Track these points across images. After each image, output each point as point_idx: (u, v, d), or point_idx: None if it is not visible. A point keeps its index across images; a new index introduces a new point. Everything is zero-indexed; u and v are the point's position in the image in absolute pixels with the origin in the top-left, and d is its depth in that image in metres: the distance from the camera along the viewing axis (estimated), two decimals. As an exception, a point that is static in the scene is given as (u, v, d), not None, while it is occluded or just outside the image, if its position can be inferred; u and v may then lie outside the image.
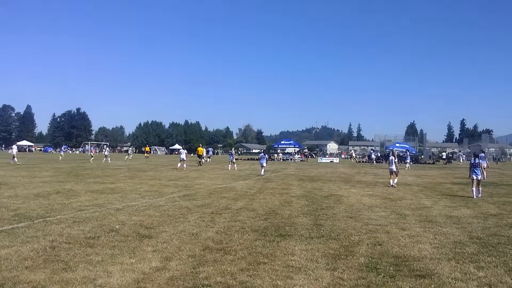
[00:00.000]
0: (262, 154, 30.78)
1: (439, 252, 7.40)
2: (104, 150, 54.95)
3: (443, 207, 13.26)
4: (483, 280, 5.89)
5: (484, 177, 17.17)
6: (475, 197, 15.85)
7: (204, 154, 44.66)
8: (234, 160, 35.28)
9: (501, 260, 6.95)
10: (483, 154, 21.53)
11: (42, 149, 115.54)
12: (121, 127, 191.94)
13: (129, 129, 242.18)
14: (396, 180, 20.78)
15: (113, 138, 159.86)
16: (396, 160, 22.01)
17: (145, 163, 45.24)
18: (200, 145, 50.45)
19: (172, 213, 11.12)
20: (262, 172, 28.07)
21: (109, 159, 47.15)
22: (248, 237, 8.30)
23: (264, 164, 28.97)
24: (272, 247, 7.58)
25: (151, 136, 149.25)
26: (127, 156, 56.83)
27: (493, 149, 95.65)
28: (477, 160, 16.67)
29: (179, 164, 32.84)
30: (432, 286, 5.61)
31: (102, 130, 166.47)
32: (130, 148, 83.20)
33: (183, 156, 33.28)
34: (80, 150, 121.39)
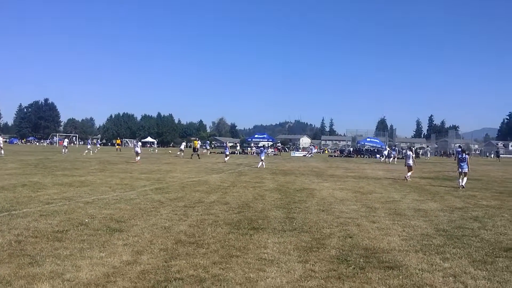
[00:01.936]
0: (262, 148, 32.33)
1: (407, 244, 7.57)
2: (89, 143, 54.11)
3: (412, 200, 13.55)
4: (448, 271, 6.06)
5: (468, 169, 18.70)
6: (460, 187, 17.71)
7: (198, 147, 45.19)
8: (228, 153, 36.30)
9: (466, 251, 7.16)
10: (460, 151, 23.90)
11: (8, 140, 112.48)
12: (91, 119, 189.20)
13: (100, 121, 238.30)
14: (409, 174, 21.71)
15: (82, 130, 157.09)
16: (414, 155, 23.02)
17: (116, 155, 44.58)
18: (197, 138, 54.63)
19: (143, 206, 11.02)
20: (259, 166, 29.11)
21: (91, 151, 47.37)
22: (221, 231, 8.31)
23: (263, 158, 29.95)
24: (245, 240, 7.60)
25: (123, 128, 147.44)
26: (151, 149, 57.47)
27: (459, 144, 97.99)
28: (464, 155, 18.67)
29: (137, 158, 31.36)
30: (400, 277, 5.74)
31: (71, 121, 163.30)
32: (155, 142, 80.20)
33: (138, 149, 31.92)
34: (47, 142, 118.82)
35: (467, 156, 18.97)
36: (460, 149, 24.45)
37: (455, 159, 27.38)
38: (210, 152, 62.58)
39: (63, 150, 47.21)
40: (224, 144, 40.48)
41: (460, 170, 18.42)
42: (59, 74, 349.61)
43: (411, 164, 21.87)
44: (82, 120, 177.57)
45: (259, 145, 48.52)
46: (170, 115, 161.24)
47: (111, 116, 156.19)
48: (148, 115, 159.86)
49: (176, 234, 7.90)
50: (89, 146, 49.91)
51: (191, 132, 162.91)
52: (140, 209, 10.52)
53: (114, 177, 19.06)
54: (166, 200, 12.15)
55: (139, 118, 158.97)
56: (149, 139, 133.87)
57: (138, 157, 31.52)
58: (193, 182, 17.55)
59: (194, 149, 43.48)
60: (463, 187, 17.71)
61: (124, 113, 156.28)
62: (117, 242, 7.21)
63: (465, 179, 18.22)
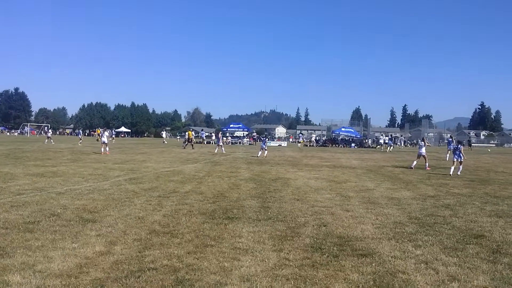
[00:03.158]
0: (264, 138, 34.57)
1: (380, 232, 7.68)
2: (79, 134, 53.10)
3: (385, 189, 13.75)
4: (420, 258, 6.18)
5: (463, 158, 20.23)
6: (452, 174, 18.99)
7: (192, 137, 45.49)
8: (221, 143, 36.77)
9: (437, 239, 7.30)
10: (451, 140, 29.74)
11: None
12: (63, 109, 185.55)
13: (72, 111, 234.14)
14: (415, 162, 22.78)
15: (54, 120, 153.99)
16: (425, 146, 24.01)
17: (90, 145, 43.83)
18: (191, 128, 53.61)
19: (117, 196, 10.89)
20: (259, 155, 30.12)
21: (80, 141, 46.52)
22: (196, 220, 8.28)
23: (265, 147, 30.94)
24: (219, 229, 7.59)
25: (96, 118, 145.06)
26: (164, 140, 58.29)
27: (432, 134, 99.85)
28: (459, 146, 20.46)
29: (102, 149, 29.73)
30: (373, 264, 5.82)
31: (43, 111, 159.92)
32: (164, 132, 79.39)
33: (105, 139, 30.29)
34: (18, 132, 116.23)
35: (461, 146, 20.52)
36: (451, 139, 29.77)
37: (448, 150, 29.86)
38: (207, 142, 61.73)
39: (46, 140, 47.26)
40: (217, 134, 41.55)
41: (454, 159, 19.91)
42: (29, 63, 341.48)
43: (423, 154, 22.97)
44: (54, 109, 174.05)
45: (261, 136, 49.84)
46: (144, 105, 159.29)
47: (83, 105, 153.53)
48: (122, 105, 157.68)
49: (150, 224, 7.83)
50: (80, 136, 49.19)
51: (166, 121, 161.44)
52: (114, 200, 10.39)
53: (87, 167, 18.77)
54: (140, 190, 12.04)
55: (112, 107, 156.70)
56: (123, 129, 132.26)
57: (107, 148, 29.83)
58: (168, 172, 17.43)
59: (189, 139, 43.76)
60: (457, 175, 18.93)
61: (97, 102, 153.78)
62: (90, 233, 7.11)
63: (460, 167, 19.83)
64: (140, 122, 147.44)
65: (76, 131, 69.02)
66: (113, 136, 51.99)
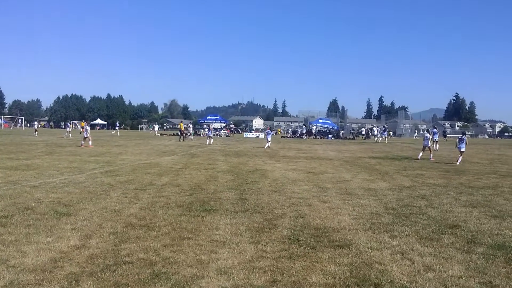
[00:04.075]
0: (268, 130, 34.48)
1: (357, 223, 7.75)
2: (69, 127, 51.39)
3: (362, 180, 13.88)
4: (396, 248, 6.25)
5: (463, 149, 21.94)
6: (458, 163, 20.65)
7: (184, 129, 46.71)
8: (212, 135, 37.40)
9: (413, 229, 7.40)
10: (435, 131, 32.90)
11: None
12: (38, 101, 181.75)
13: (47, 103, 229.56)
14: (421, 154, 23.37)
15: (28, 112, 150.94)
16: (431, 137, 25.23)
17: (68, 138, 43.12)
18: (181, 121, 56.27)
19: (93, 189, 10.73)
20: (267, 146, 31.06)
21: (70, 134, 45.63)
22: (173, 213, 8.22)
23: (269, 139, 31.94)
24: (196, 222, 7.55)
25: (71, 110, 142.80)
26: (155, 133, 59.99)
27: (408, 125, 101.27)
28: (463, 137, 22.26)
29: (89, 142, 29.02)
30: (350, 255, 5.87)
31: (17, 103, 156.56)
32: (156, 125, 78.51)
33: (88, 133, 29.24)
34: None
35: (465, 137, 22.46)
36: (435, 130, 32.33)
37: (434, 141, 31.54)
38: (195, 134, 60.35)
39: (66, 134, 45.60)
40: (207, 127, 42.94)
41: (459, 148, 21.64)
42: (2, 55, 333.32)
43: (428, 145, 23.51)
44: (28, 102, 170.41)
45: (265, 128, 51.18)
46: (121, 97, 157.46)
47: (58, 97, 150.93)
48: (98, 97, 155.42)
49: (126, 217, 7.74)
50: (68, 129, 48.08)
51: (143, 113, 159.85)
52: (89, 193, 10.24)
53: (62, 160, 18.45)
54: (116, 183, 11.89)
55: (88, 99, 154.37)
56: (98, 121, 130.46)
57: (89, 142, 28.92)
58: (144, 165, 17.26)
59: (181, 131, 45.16)
60: (458, 163, 20.57)
61: (72, 94, 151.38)
62: (65, 227, 7.00)
63: (460, 158, 21.22)
64: (116, 114, 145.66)
65: (65, 122, 67.10)
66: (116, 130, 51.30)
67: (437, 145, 33.57)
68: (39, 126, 56.95)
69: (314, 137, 64.94)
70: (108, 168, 15.55)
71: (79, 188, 10.85)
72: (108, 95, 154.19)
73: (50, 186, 11.16)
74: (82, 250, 5.79)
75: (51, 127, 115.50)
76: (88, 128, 30.20)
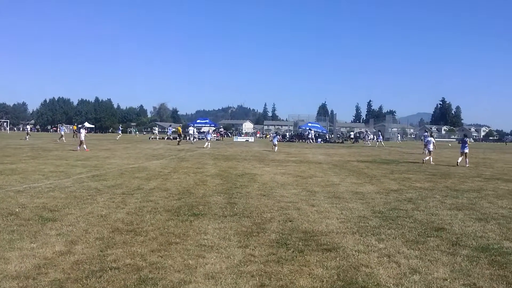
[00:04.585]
0: (274, 134, 37.76)
1: (344, 227, 7.76)
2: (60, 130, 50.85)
3: (350, 184, 13.92)
4: (383, 251, 6.28)
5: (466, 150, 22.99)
6: (459, 160, 22.39)
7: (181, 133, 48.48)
8: (210, 138, 38.68)
9: (400, 232, 7.44)
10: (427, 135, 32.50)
11: None
12: (24, 104, 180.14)
13: (33, 106, 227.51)
14: (428, 158, 24.11)
15: (14, 116, 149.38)
16: (434, 141, 25.96)
17: (53, 141, 42.71)
18: (180, 124, 58.87)
19: (79, 194, 10.62)
20: (276, 149, 33.19)
21: (63, 138, 44.50)
22: (161, 218, 8.16)
23: (275, 143, 34.39)
24: (184, 226, 7.51)
25: (58, 113, 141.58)
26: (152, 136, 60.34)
27: (396, 129, 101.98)
28: (465, 139, 24.23)
29: (84, 145, 28.43)
30: (337, 258, 5.88)
31: (2, 106, 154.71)
32: (157, 129, 77.68)
33: (83, 137, 28.76)
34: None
35: (467, 139, 24.33)
36: (426, 133, 32.02)
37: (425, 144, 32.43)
38: (173, 138, 59.16)
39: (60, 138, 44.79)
40: (207, 130, 44.82)
41: (461, 151, 22.76)
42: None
43: (431, 149, 24.33)
44: (14, 105, 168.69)
45: (272, 132, 54.20)
46: (109, 100, 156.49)
47: (45, 100, 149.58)
48: (86, 100, 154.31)
49: (113, 222, 7.67)
50: (62, 132, 47.33)
51: (131, 117, 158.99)
52: (76, 197, 10.14)
53: (48, 164, 18.26)
54: (103, 188, 11.79)
55: (75, 102, 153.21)
56: (86, 124, 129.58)
57: (83, 146, 28.30)
58: (132, 169, 17.14)
59: (179, 135, 46.27)
60: (467, 165, 21.88)
61: (59, 97, 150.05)
62: (49, 232, 6.91)
63: (466, 159, 22.38)
64: (105, 118, 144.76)
65: (59, 126, 65.89)
66: (76, 132, 50.32)
67: (429, 157, 33.91)
68: (30, 130, 55.66)
69: (303, 140, 65.05)
70: (95, 173, 15.42)
71: (65, 193, 10.74)
72: (96, 98, 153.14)
73: (35, 191, 11.03)
74: (67, 256, 5.72)
75: (37, 131, 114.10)
76: (83, 132, 29.82)
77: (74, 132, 62.85)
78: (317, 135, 67.70)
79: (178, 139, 44.57)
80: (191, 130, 52.20)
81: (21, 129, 52.32)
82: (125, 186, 12.15)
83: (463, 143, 23.52)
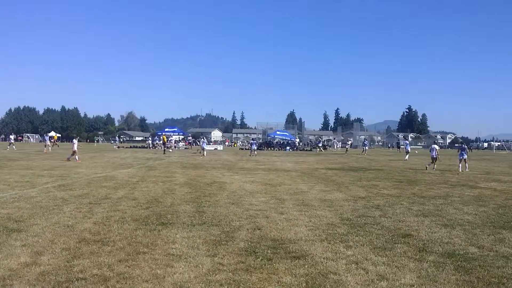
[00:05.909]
0: (252, 141, 43.73)
1: (313, 234, 7.85)
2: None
3: (318, 191, 14.07)
4: (351, 258, 6.37)
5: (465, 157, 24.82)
6: (460, 171, 23.55)
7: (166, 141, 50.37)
8: (205, 147, 40.10)
9: (367, 239, 7.57)
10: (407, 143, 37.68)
11: None
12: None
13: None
14: (431, 164, 25.34)
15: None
16: (438, 148, 26.83)
17: (20, 151, 41.62)
18: (164, 133, 61.95)
19: (45, 204, 10.40)
20: (254, 154, 38.27)
21: (49, 147, 44.89)
22: (128, 227, 8.08)
23: (255, 148, 39.34)
24: (153, 236, 7.45)
25: (23, 122, 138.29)
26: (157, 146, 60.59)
27: (363, 136, 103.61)
28: (463, 146, 25.67)
29: (75, 156, 27.21)
30: (306, 266, 5.94)
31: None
32: (151, 138, 76.54)
33: (75, 147, 27.66)
34: None
35: (466, 147, 25.86)
36: (407, 141, 33.94)
37: (399, 150, 33.97)
38: (171, 147, 56.61)
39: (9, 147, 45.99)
40: (203, 139, 46.72)
41: (460, 157, 24.40)
42: None
43: (435, 156, 25.19)
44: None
45: (251, 139, 55.80)
46: (76, 109, 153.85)
47: (10, 109, 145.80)
48: (52, 109, 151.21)
49: (80, 233, 7.55)
50: (48, 143, 46.22)
51: (99, 126, 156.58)
52: (41, 208, 9.92)
53: (13, 174, 17.81)
54: (69, 197, 11.57)
55: (41, 111, 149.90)
56: (52, 133, 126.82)
57: (76, 157, 27.16)
58: (100, 178, 16.88)
59: (164, 144, 48.14)
60: (468, 170, 23.96)
61: (24, 106, 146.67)
62: (14, 243, 6.76)
63: (466, 164, 24.36)
64: (71, 127, 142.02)
65: (45, 135, 63.65)
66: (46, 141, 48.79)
67: (408, 156, 38.15)
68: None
69: (272, 148, 65.33)
70: (62, 182, 15.12)
71: (31, 203, 10.50)
72: (63, 107, 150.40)
73: (0, 201, 10.74)
74: (33, 267, 5.61)
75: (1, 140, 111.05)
76: (76, 142, 28.74)
77: (52, 142, 60.48)
78: (285, 143, 68.17)
79: (163, 148, 45.74)
80: (165, 138, 52.69)
81: (47, 139, 49.81)
82: (92, 196, 11.96)
83: (461, 150, 24.85)
